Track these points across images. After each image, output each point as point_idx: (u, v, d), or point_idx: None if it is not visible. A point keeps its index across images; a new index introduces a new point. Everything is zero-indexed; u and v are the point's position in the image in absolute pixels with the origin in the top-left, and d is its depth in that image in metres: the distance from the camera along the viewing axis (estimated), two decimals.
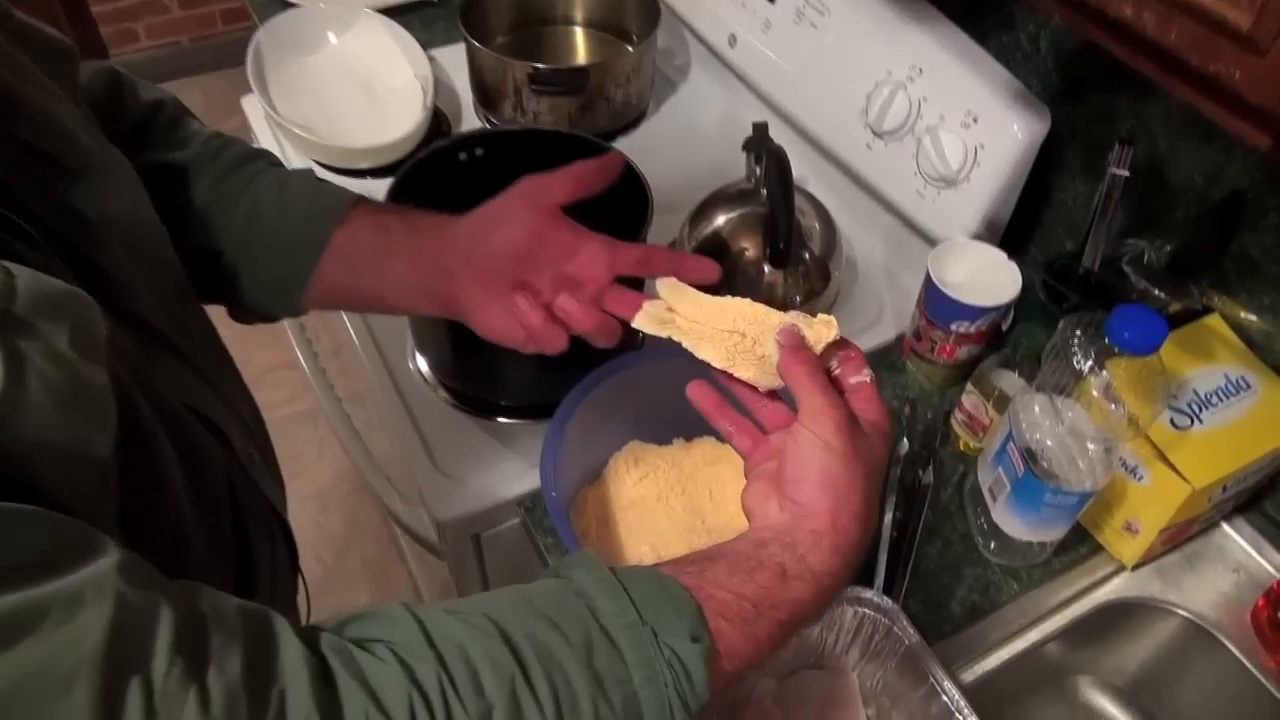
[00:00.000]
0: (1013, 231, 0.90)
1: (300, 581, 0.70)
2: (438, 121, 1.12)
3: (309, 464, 1.86)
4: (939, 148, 0.85)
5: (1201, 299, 0.72)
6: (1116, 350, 0.62)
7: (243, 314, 0.66)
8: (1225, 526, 0.80)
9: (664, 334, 0.55)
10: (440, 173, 0.83)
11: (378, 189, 0.77)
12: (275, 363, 1.89)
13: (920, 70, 0.87)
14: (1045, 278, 0.82)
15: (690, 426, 0.78)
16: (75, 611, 0.31)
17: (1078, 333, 0.65)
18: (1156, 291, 0.71)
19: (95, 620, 0.32)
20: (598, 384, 0.72)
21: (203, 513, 0.47)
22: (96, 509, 0.38)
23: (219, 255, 0.62)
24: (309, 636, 0.37)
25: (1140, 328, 0.61)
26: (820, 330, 0.52)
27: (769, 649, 0.46)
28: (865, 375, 0.52)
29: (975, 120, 0.84)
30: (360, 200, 0.64)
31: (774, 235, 0.85)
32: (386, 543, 1.74)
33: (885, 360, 0.91)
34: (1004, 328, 0.84)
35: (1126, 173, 0.73)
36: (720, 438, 0.57)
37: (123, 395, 0.40)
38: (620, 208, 0.75)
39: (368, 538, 1.77)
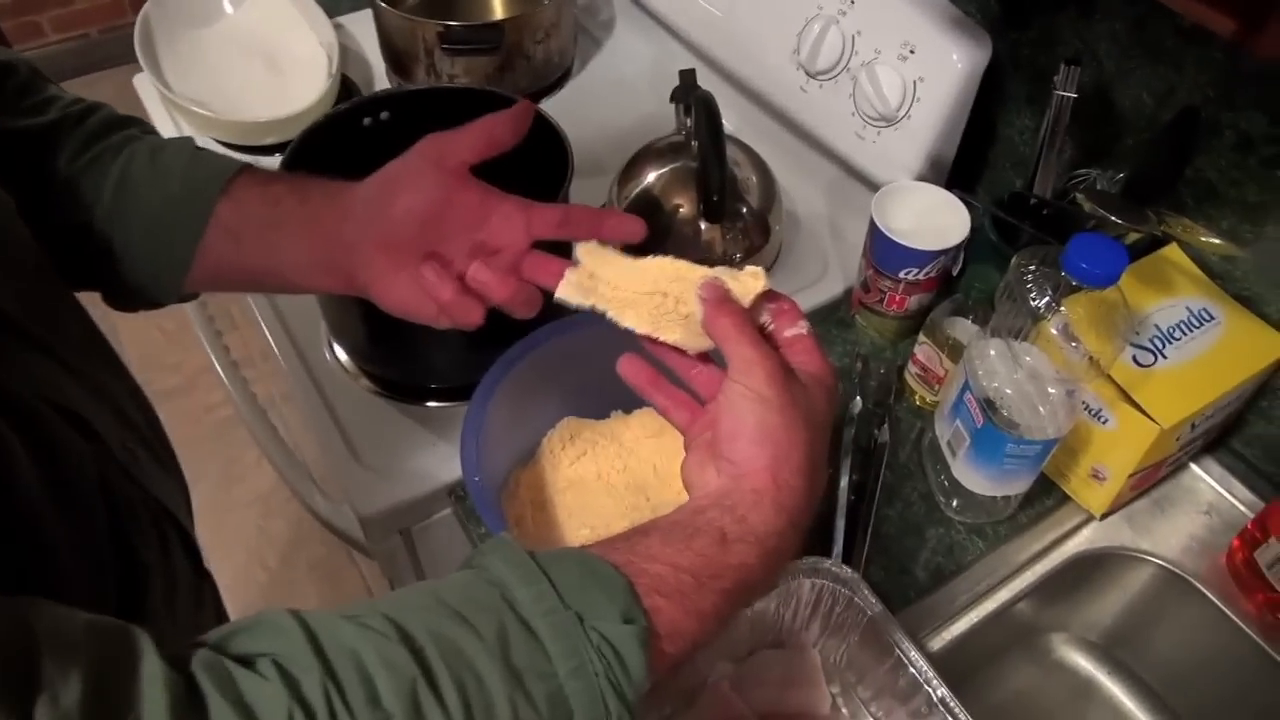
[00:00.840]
0: (959, 172, 0.86)
1: (210, 588, 0.64)
2: (348, 91, 1.05)
3: (249, 468, 1.77)
4: (876, 84, 0.81)
5: (1160, 225, 0.68)
6: (1074, 283, 0.58)
7: (120, 300, 0.59)
8: (1194, 467, 0.77)
9: (588, 304, 0.51)
10: (342, 142, 0.76)
11: None
12: (210, 365, 1.80)
13: (852, 2, 0.82)
14: (994, 210, 0.77)
15: (629, 398, 0.70)
16: None
17: (1031, 268, 0.61)
18: (1113, 218, 0.66)
19: None
20: (522, 356, 0.66)
21: (66, 514, 0.42)
22: None
23: (86, 233, 0.56)
24: (179, 655, 0.33)
25: (1098, 256, 0.56)
26: (748, 282, 0.48)
27: (715, 624, 0.42)
28: (801, 327, 0.48)
29: (912, 52, 0.79)
30: (246, 168, 0.58)
31: (707, 187, 0.79)
32: (335, 545, 1.67)
33: (834, 316, 0.86)
34: (955, 272, 0.80)
35: (1074, 94, 0.69)
36: None
37: None
38: (537, 167, 0.70)
39: (315, 541, 1.70)
